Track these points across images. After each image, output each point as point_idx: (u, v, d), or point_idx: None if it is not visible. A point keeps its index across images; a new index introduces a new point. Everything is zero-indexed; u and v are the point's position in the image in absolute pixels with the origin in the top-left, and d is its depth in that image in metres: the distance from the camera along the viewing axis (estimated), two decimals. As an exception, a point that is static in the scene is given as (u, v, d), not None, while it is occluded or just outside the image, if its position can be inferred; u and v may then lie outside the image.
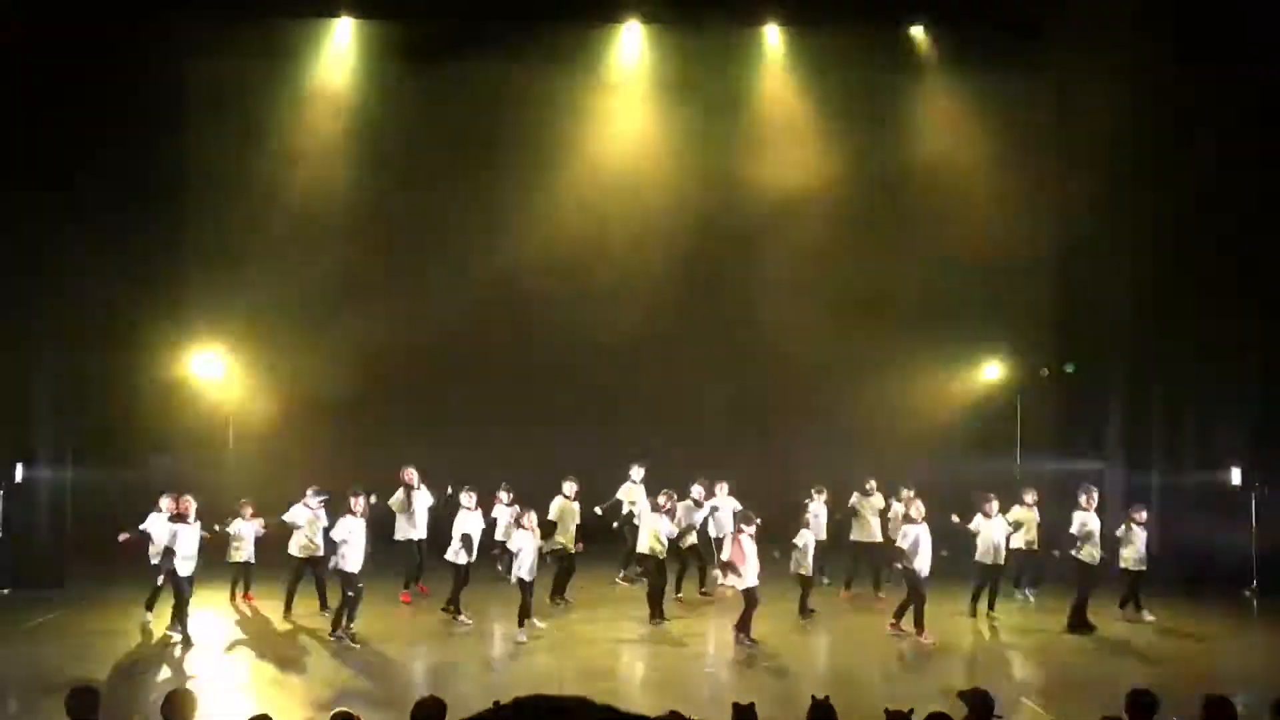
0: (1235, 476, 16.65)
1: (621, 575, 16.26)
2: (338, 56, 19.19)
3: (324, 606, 14.11)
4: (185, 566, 13.01)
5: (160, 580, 13.33)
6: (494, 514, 15.49)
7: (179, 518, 13.17)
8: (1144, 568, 14.44)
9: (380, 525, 14.62)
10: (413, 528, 15.18)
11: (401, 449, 16.56)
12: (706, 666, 12.49)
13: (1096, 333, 18.78)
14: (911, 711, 6.56)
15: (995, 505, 14.53)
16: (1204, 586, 16.15)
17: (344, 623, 12.93)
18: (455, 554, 13.90)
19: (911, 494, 14.76)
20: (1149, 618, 14.40)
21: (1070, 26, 17.87)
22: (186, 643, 12.75)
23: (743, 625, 12.92)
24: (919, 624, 13.30)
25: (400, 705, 9.78)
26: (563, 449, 17.18)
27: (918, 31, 19.54)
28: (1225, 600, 15.66)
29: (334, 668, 12.14)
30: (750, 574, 12.90)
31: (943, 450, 18.44)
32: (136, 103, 17.38)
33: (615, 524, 15.92)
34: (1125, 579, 14.49)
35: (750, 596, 12.92)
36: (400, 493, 15.18)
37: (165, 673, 11.94)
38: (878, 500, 15.96)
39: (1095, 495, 14.28)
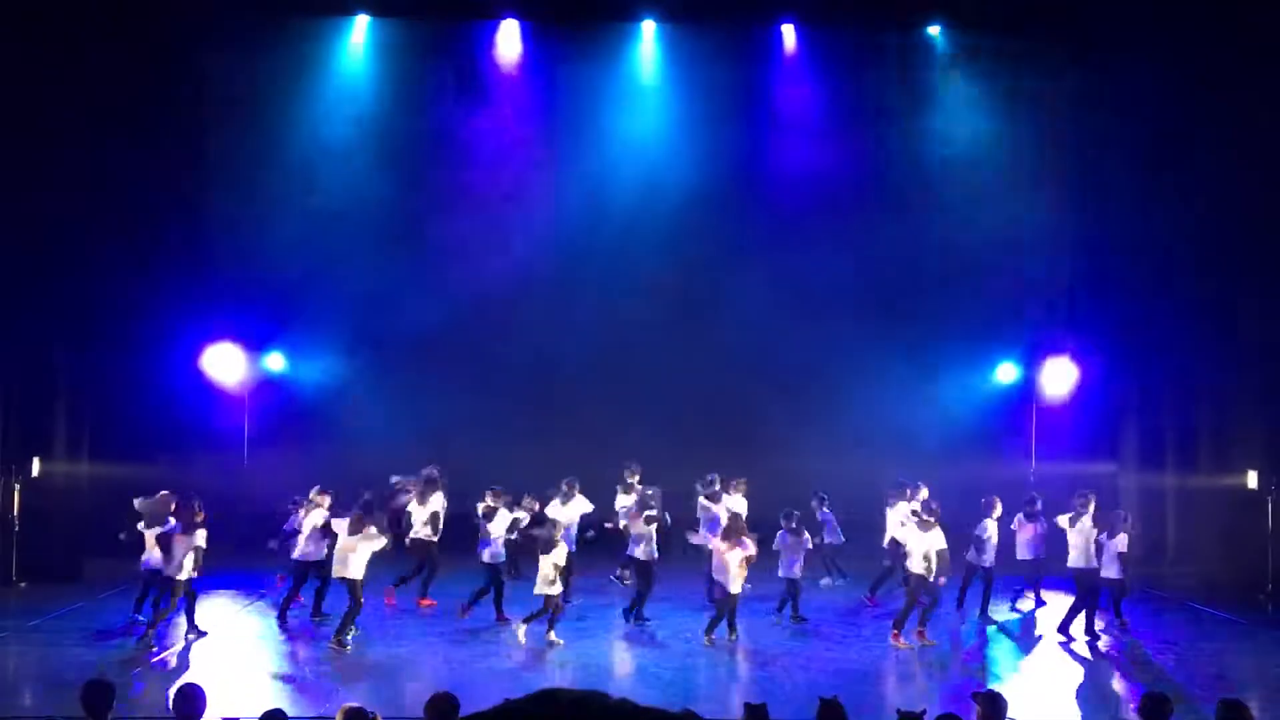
0: (1252, 480, 16.54)
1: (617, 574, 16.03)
2: (355, 54, 19.22)
3: (318, 613, 13.90)
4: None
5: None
6: (515, 515, 15.42)
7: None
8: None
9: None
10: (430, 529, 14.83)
11: (416, 446, 16.64)
12: (718, 666, 12.48)
13: (1110, 334, 18.68)
14: (924, 713, 6.55)
15: (999, 508, 14.53)
16: (1219, 590, 16.07)
17: (345, 630, 12.67)
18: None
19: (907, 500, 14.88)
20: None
21: (1088, 24, 17.80)
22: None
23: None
24: (921, 623, 13.23)
25: (411, 701, 9.82)
26: (564, 450, 17.24)
27: (934, 30, 19.47)
28: (1240, 603, 15.58)
29: (345, 664, 12.18)
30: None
31: (954, 453, 18.37)
32: (153, 99, 17.46)
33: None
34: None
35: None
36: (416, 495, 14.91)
37: (179, 667, 11.98)
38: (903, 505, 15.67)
39: (1091, 503, 14.12)
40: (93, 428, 17.22)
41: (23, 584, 15.71)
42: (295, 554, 13.77)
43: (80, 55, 16.30)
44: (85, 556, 16.48)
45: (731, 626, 13.04)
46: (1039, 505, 14.96)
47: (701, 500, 15.14)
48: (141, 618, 13.21)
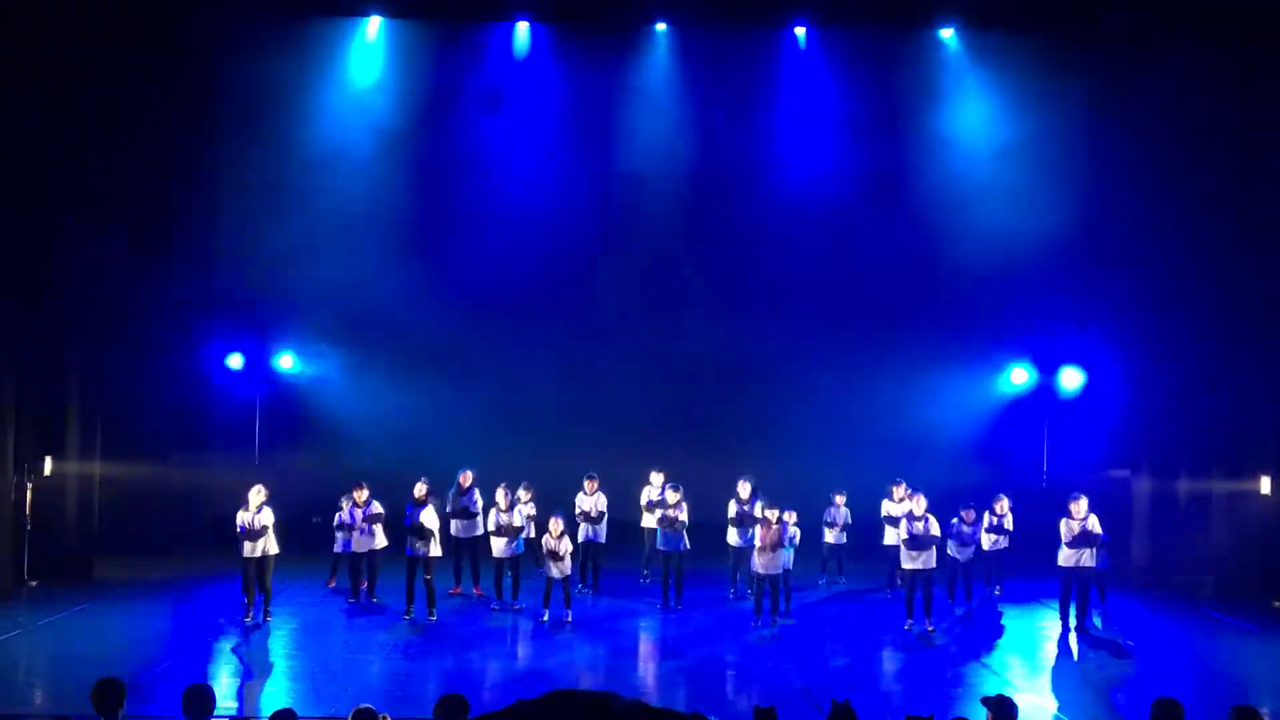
0: (1265, 485, 16.46)
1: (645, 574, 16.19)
2: (367, 54, 19.21)
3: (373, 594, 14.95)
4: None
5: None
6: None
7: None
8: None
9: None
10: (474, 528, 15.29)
11: (429, 446, 16.71)
12: (727, 669, 12.46)
13: (1123, 338, 18.61)
14: (932, 717, 6.54)
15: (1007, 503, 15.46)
16: (1232, 595, 16.01)
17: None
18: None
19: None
20: None
21: (1103, 28, 17.76)
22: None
23: None
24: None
25: (421, 702, 9.83)
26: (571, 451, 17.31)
27: (947, 33, 19.42)
28: (1254, 609, 15.52)
29: (355, 663, 12.19)
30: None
31: (966, 458, 18.34)
32: (166, 101, 17.51)
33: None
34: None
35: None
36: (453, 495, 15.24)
37: (188, 666, 12.00)
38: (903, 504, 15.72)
39: (1084, 502, 14.15)
40: (104, 427, 17.27)
41: (34, 582, 15.76)
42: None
43: (89, 57, 16.33)
44: (97, 555, 16.54)
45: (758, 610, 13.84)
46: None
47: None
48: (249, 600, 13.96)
